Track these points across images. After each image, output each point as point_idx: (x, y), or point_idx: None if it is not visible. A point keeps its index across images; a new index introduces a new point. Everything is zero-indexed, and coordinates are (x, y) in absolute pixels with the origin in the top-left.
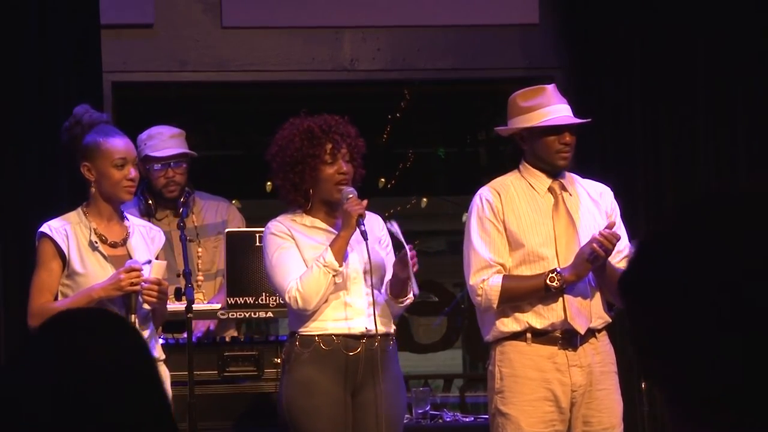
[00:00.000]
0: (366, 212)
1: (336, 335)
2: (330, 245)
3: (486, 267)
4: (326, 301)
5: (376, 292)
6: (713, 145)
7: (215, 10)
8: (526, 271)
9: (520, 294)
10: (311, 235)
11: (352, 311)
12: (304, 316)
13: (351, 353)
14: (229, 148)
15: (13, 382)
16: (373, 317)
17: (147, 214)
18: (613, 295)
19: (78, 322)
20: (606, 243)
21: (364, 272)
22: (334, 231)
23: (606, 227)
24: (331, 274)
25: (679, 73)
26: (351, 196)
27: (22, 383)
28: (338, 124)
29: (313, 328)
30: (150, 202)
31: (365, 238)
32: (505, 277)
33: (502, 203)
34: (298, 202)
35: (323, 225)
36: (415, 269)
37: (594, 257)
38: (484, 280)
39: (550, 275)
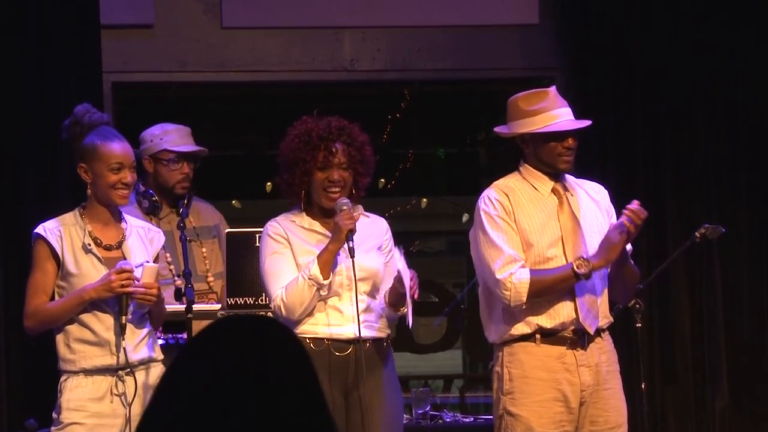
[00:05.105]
0: (370, 215)
1: (327, 339)
2: (317, 257)
3: (512, 261)
4: (324, 304)
5: (370, 298)
6: (713, 146)
7: (215, 10)
8: None
9: (549, 285)
10: (308, 238)
11: (342, 318)
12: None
13: (340, 354)
14: (229, 148)
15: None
16: (363, 324)
17: (152, 213)
18: (624, 291)
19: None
20: (635, 218)
21: (352, 282)
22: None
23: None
24: (315, 287)
25: (679, 73)
26: (345, 208)
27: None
28: (342, 129)
29: (304, 330)
30: (155, 199)
31: (352, 256)
32: (531, 271)
33: (512, 204)
34: (294, 201)
35: (321, 229)
36: (415, 296)
37: (623, 233)
38: (512, 274)
39: (577, 262)
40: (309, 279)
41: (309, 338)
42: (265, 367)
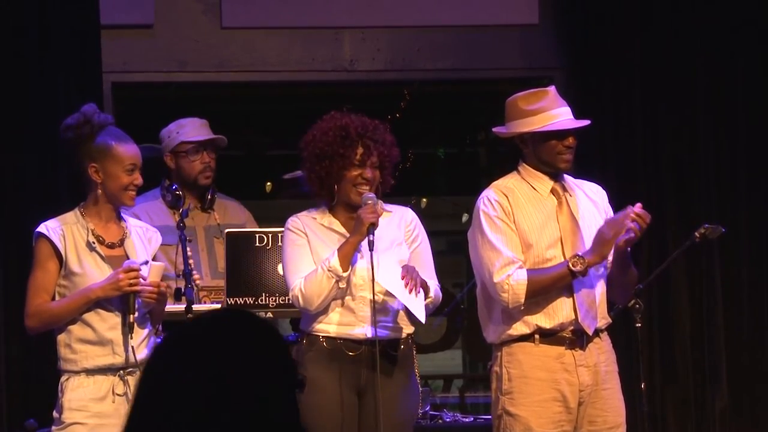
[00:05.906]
0: (393, 208)
1: (339, 338)
2: (338, 249)
3: (510, 263)
4: (338, 303)
5: (386, 298)
6: (713, 145)
7: (215, 10)
8: None
9: (546, 284)
10: (325, 237)
11: (356, 318)
12: (312, 315)
13: (352, 354)
14: (229, 148)
15: (162, 376)
16: (377, 324)
17: (175, 206)
18: (623, 292)
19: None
20: (641, 222)
21: (367, 282)
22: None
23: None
24: (334, 279)
25: (679, 73)
26: (369, 202)
27: (170, 377)
28: (375, 128)
29: (319, 329)
30: (179, 192)
31: (370, 249)
32: (528, 271)
33: (511, 204)
34: (322, 197)
35: (341, 229)
36: (410, 291)
37: (616, 227)
38: (509, 276)
39: (572, 260)
40: (328, 270)
41: (323, 337)
42: (247, 368)
